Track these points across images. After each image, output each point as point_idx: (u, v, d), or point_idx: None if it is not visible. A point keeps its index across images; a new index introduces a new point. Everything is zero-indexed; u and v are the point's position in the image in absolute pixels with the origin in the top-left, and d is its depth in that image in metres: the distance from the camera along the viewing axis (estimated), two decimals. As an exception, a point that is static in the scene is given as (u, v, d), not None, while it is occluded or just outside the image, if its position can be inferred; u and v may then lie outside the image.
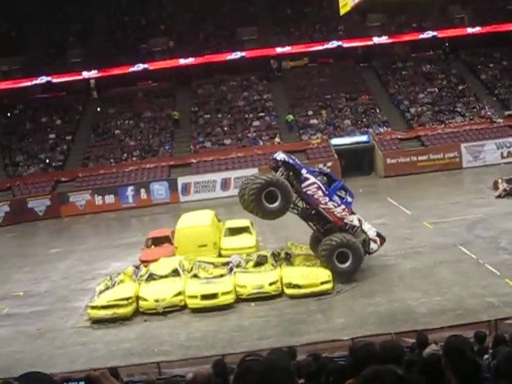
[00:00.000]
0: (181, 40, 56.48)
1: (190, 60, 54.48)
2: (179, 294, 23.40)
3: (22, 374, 2.75)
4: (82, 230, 40.99)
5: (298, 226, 32.79)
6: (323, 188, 24.50)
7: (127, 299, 23.23)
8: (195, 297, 23.10)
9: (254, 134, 50.14)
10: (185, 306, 23.32)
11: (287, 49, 54.67)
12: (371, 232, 24.99)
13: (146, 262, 26.71)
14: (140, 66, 54.18)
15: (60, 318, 24.15)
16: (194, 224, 28.46)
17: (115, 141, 51.67)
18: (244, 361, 3.30)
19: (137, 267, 26.20)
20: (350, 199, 25.07)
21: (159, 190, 45.83)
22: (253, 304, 23.10)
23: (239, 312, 22.79)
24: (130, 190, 45.59)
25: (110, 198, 45.36)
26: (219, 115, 52.71)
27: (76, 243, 35.82)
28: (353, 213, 25.04)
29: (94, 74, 55.12)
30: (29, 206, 45.58)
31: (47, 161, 50.44)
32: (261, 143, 49.19)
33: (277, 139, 48.98)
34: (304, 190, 24.50)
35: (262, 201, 23.72)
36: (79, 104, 56.37)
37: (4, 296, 27.90)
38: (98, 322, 23.05)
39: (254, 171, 45.19)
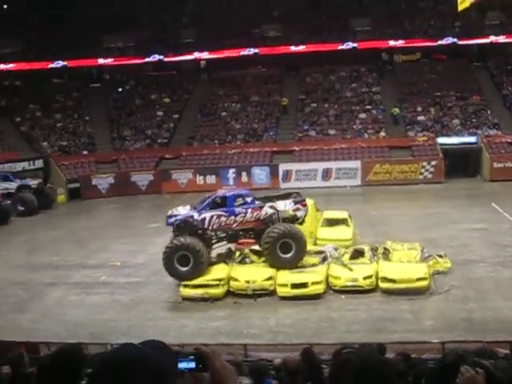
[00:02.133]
0: (293, 27, 56.39)
1: (301, 47, 54.33)
2: (270, 278, 23.51)
3: (144, 341, 2.78)
4: (182, 207, 41.62)
5: (397, 222, 32.57)
6: (222, 212, 24.64)
7: (219, 280, 23.51)
8: (285, 285, 23.15)
9: (360, 127, 49.68)
10: (274, 291, 23.40)
11: (400, 42, 53.69)
12: (289, 206, 24.94)
13: (242, 245, 26.92)
14: (251, 51, 54.45)
15: (154, 292, 24.70)
16: (292, 211, 28.41)
17: (221, 122, 52.23)
18: (341, 353, 3.24)
19: (231, 249, 26.43)
20: (248, 199, 25.15)
21: (260, 174, 46.07)
22: (343, 296, 22.97)
23: (329, 303, 22.71)
24: (231, 173, 46.03)
25: (211, 179, 45.91)
26: (326, 105, 52.45)
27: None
28: (261, 206, 24.87)
29: (205, 55, 55.79)
30: (132, 179, 46.75)
31: (153, 137, 51.56)
32: (366, 136, 48.71)
33: (382, 133, 48.41)
34: (211, 227, 24.77)
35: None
36: (189, 84, 57.23)
37: (102, 264, 28.75)
38: (189, 299, 23.45)
39: (357, 164, 44.99)
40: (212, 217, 24.64)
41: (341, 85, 54.41)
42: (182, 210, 25.38)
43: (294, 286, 22.96)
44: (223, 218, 24.63)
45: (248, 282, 23.34)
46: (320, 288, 23.05)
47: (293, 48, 54.34)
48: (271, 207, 24.86)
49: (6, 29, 53.15)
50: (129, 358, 2.08)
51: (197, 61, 57.45)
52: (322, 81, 55.29)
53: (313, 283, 23.00)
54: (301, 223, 25.29)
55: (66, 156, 49.22)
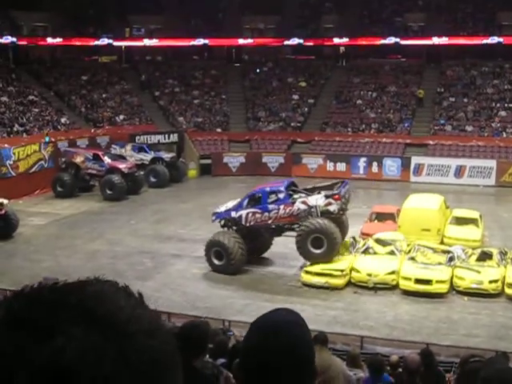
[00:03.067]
0: (437, 17, 55.06)
1: (444, 39, 53.01)
2: (393, 272, 23.20)
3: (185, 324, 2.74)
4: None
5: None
6: (257, 210, 25.28)
7: (341, 271, 23.42)
8: (409, 279, 22.76)
9: (499, 125, 47.98)
10: (395, 286, 23.08)
11: (549, 40, 51.42)
12: (320, 200, 24.58)
13: (366, 235, 26.71)
14: (392, 40, 53.62)
15: (275, 274, 24.90)
16: (421, 206, 27.92)
17: (356, 110, 51.80)
18: (468, 361, 3.08)
19: (355, 239, 26.25)
20: (281, 195, 25.27)
21: (391, 166, 45.43)
22: (466, 298, 22.36)
23: (450, 303, 22.18)
24: (362, 161, 45.64)
25: (341, 166, 45.66)
26: (465, 100, 50.97)
27: None
28: (293, 202, 24.91)
29: (345, 41, 55.43)
30: (263, 160, 47.18)
31: (287, 120, 51.79)
32: (504, 135, 47.00)
33: (522, 133, 46.63)
34: (248, 225, 25.47)
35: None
36: (326, 69, 57.03)
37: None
38: (308, 285, 23.49)
39: (492, 163, 43.56)
40: (248, 214, 25.51)
41: (482, 80, 52.66)
42: (224, 207, 26.67)
43: (418, 281, 22.54)
44: (258, 215, 25.36)
45: (370, 274, 23.14)
46: (444, 287, 22.54)
47: (435, 39, 53.10)
48: (303, 202, 24.86)
49: (151, 5, 54.86)
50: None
51: (336, 47, 57.18)
52: (463, 75, 53.70)
53: (437, 281, 22.50)
54: (338, 217, 24.88)
55: (200, 132, 50.26)
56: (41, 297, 1.10)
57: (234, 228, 25.94)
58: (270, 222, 25.41)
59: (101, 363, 1.03)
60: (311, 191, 26.15)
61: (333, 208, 24.56)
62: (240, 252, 24.93)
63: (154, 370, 1.09)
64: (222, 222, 26.25)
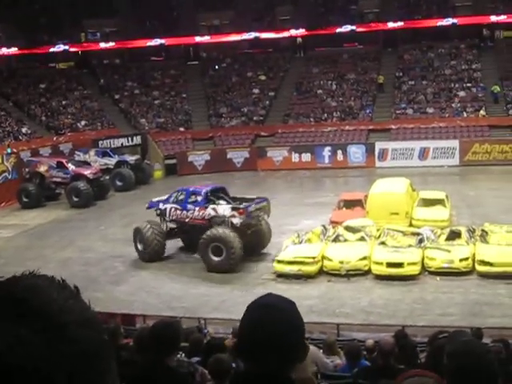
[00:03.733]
0: (390, 3, 55.42)
1: (399, 24, 53.37)
2: (364, 258, 23.33)
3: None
4: (276, 184, 41.67)
5: (496, 204, 31.70)
6: (178, 206, 26.78)
7: (313, 258, 23.48)
8: (381, 263, 22.89)
9: (459, 105, 48.46)
10: (368, 272, 23.21)
11: (502, 17, 51.90)
12: (227, 211, 25.49)
13: (336, 223, 26.85)
14: (348, 28, 53.88)
15: (248, 268, 24.92)
16: (388, 191, 28.13)
17: (317, 100, 51.98)
18: (437, 338, 3.10)
19: (325, 227, 26.39)
20: (199, 198, 26.54)
21: (356, 153, 45.65)
22: (438, 278, 22.54)
23: (423, 284, 22.34)
24: (326, 151, 45.79)
25: (306, 157, 45.82)
26: (424, 82, 51.41)
27: (268, 197, 36.48)
28: (206, 207, 26.00)
29: (301, 32, 55.56)
30: (228, 156, 47.15)
31: (249, 114, 51.81)
32: (465, 115, 47.50)
33: (482, 112, 47.11)
34: (170, 219, 27.29)
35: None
36: (284, 61, 57.13)
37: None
38: (282, 276, 23.53)
39: (455, 143, 44.00)
40: (171, 208, 27.05)
41: (440, 62, 53.13)
42: (158, 198, 28.40)
43: (390, 264, 22.66)
44: (178, 212, 26.82)
45: (342, 262, 23.23)
46: (415, 269, 22.69)
47: (390, 24, 53.50)
48: (213, 209, 25.78)
49: (105, 8, 54.53)
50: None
51: (293, 38, 57.29)
52: (421, 58, 54.13)
53: (408, 264, 22.65)
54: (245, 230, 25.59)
55: (163, 132, 50.13)
56: None
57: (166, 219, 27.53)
58: (186, 220, 26.63)
59: (30, 355, 1.03)
60: (235, 201, 26.88)
61: (235, 221, 25.09)
62: (155, 243, 26.35)
63: (86, 359, 1.09)
64: (158, 212, 27.52)
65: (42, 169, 39.49)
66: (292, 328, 2.13)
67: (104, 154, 43.05)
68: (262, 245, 26.50)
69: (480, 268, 22.39)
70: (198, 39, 57.20)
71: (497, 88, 48.09)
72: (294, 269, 23.29)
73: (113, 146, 44.65)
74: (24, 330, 1.05)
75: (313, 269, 23.36)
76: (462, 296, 20.98)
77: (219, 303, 21.35)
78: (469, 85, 50.31)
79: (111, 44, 56.84)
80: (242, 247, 24.69)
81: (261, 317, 2.10)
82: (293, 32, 55.43)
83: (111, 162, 42.57)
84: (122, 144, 45.44)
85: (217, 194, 27.21)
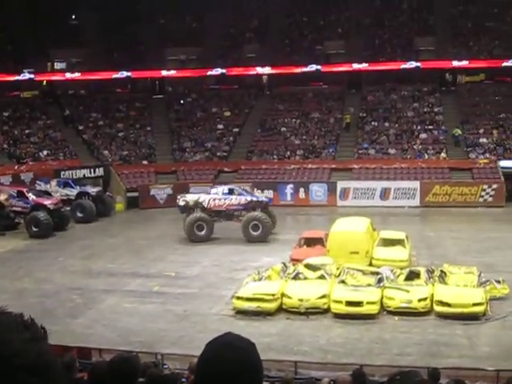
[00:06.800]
0: (356, 44, 56.27)
1: (364, 65, 54.19)
2: (324, 296, 23.31)
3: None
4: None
5: (455, 245, 32.11)
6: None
7: (273, 295, 23.42)
8: (340, 302, 22.91)
9: (420, 147, 49.16)
10: (327, 310, 23.21)
11: (464, 63, 53.01)
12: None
13: (296, 261, 26.89)
14: (313, 67, 54.50)
15: (206, 304, 24.77)
16: (348, 229, 28.30)
17: (280, 138, 52.34)
18: (394, 379, 3.10)
19: (285, 265, 26.42)
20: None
21: (318, 191, 45.93)
22: (396, 318, 22.61)
23: (382, 324, 22.39)
24: (289, 188, 46.01)
25: (268, 193, 45.81)
26: (386, 124, 52.10)
27: (231, 233, 36.49)
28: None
29: (267, 70, 56.05)
30: (190, 191, 46.95)
31: (213, 150, 51.92)
32: (426, 157, 48.19)
33: (443, 154, 47.85)
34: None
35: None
36: (250, 98, 57.51)
37: (157, 274, 28.97)
38: (241, 313, 23.43)
39: (416, 184, 44.51)
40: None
41: (402, 104, 53.98)
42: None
43: (349, 303, 22.70)
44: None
45: (301, 300, 23.19)
46: (374, 308, 22.75)
47: (355, 65, 54.23)
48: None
49: (72, 39, 54.48)
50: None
51: (259, 76, 57.76)
52: (384, 99, 54.94)
53: (368, 303, 22.71)
54: None
55: (126, 165, 49.97)
56: None
57: None
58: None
59: None
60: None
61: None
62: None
63: None
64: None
65: (2, 197, 39.01)
66: (250, 368, 2.14)
67: (65, 184, 42.73)
68: (274, 223, 35.77)
69: (438, 308, 22.55)
70: (164, 73, 57.35)
71: (458, 131, 48.93)
72: (253, 306, 23.18)
73: (75, 177, 44.37)
74: None
75: (272, 306, 23.28)
76: (419, 336, 21.06)
77: (177, 338, 21.16)
78: (430, 127, 51.11)
79: (77, 75, 56.74)
80: (271, 223, 34.74)
81: (219, 355, 2.11)
82: (259, 70, 55.89)
83: (72, 192, 42.24)
84: (84, 175, 45.19)
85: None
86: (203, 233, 35.24)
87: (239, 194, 36.04)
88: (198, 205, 35.58)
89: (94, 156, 51.06)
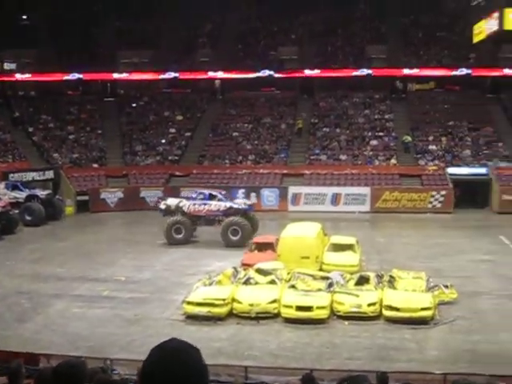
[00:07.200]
0: (309, 51, 56.62)
1: (316, 72, 54.51)
2: (274, 301, 23.36)
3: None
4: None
5: (404, 251, 32.52)
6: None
7: (223, 299, 23.39)
8: (290, 307, 22.98)
9: (371, 153, 49.69)
10: (277, 315, 23.26)
11: (414, 71, 53.75)
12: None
13: (247, 266, 26.93)
14: (266, 72, 54.62)
15: (156, 308, 24.63)
16: (299, 234, 28.44)
17: (232, 142, 52.34)
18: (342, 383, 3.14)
19: (236, 269, 26.42)
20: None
21: (269, 196, 46.08)
22: (346, 323, 22.78)
23: (332, 329, 22.51)
24: (240, 193, 45.95)
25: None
26: (338, 130, 52.52)
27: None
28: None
29: (220, 74, 56.04)
30: (141, 195, 46.85)
31: (164, 154, 51.69)
32: (376, 163, 48.71)
33: (393, 161, 48.41)
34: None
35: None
36: (202, 102, 57.42)
37: (107, 279, 28.70)
38: (192, 317, 23.35)
39: (366, 190, 44.95)
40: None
41: (354, 111, 54.48)
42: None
43: (299, 308, 22.78)
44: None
45: (251, 304, 23.20)
46: (324, 313, 22.88)
47: (307, 72, 54.54)
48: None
49: (23, 39, 53.66)
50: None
51: (211, 80, 57.70)
52: (336, 106, 55.39)
53: (318, 307, 22.82)
54: None
55: (76, 168, 49.45)
56: None
57: None
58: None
59: None
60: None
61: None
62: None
63: None
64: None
65: None
66: (195, 372, 2.16)
67: (14, 187, 42.07)
68: (255, 227, 36.01)
69: (387, 313, 22.78)
70: (116, 76, 56.88)
71: (408, 138, 49.59)
72: (203, 310, 23.12)
73: (24, 180, 43.73)
74: None
75: (222, 311, 23.25)
76: (369, 340, 21.24)
77: (127, 343, 20.96)
78: (381, 134, 51.69)
79: (27, 76, 55.99)
80: (250, 229, 34.79)
81: (162, 360, 2.13)
82: (211, 74, 55.83)
83: (21, 195, 41.63)
84: (33, 178, 44.57)
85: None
86: (181, 236, 35.42)
87: (219, 200, 36.24)
88: (178, 209, 35.97)
89: (44, 158, 50.42)
